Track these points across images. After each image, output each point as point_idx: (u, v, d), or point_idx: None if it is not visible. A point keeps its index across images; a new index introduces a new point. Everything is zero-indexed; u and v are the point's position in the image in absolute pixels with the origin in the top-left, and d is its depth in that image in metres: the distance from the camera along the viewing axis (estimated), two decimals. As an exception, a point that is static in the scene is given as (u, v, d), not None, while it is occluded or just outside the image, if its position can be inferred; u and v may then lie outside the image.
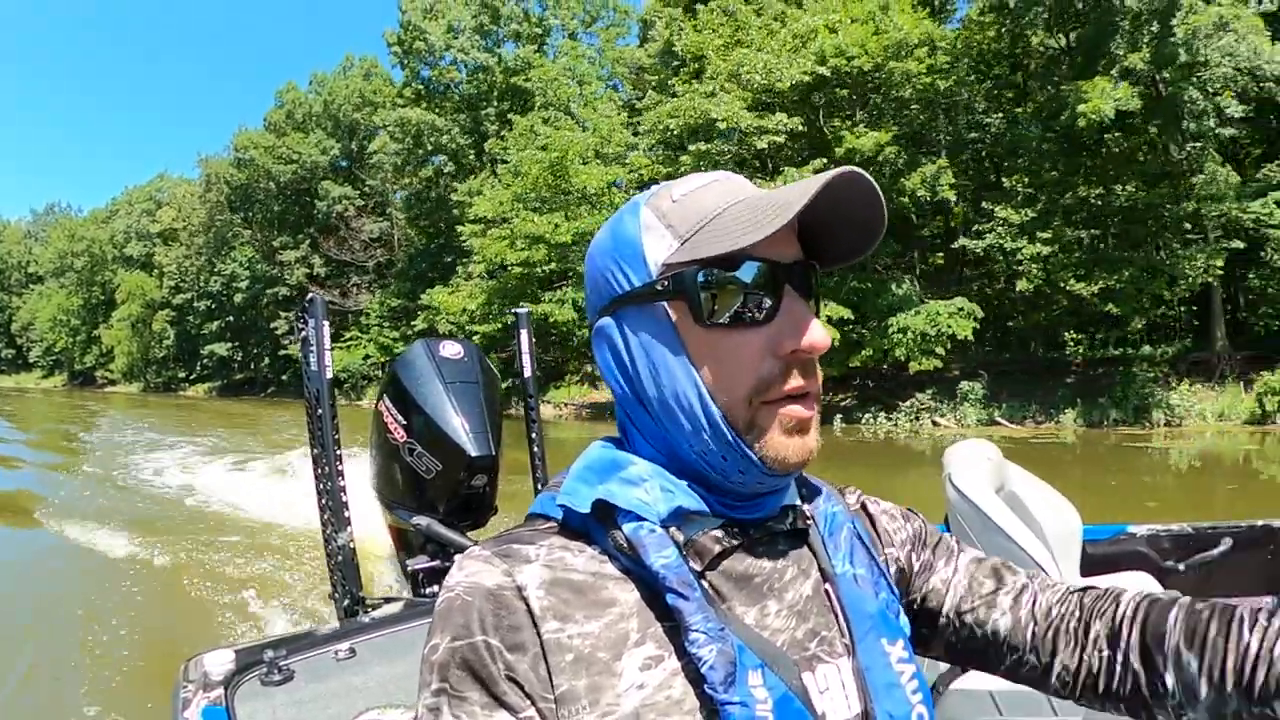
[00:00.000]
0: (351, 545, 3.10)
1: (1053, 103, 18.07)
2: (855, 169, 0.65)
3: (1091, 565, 2.76)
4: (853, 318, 18.73)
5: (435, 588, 3.16)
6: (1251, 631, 0.67)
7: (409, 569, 3.43)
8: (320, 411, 3.05)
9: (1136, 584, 2.38)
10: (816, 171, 12.00)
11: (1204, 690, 0.68)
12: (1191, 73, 16.05)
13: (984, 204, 19.34)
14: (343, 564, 3.06)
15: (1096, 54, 17.87)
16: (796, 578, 0.76)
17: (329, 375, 3.06)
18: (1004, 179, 19.60)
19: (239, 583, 6.47)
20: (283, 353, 40.92)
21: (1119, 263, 17.73)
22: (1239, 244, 16.84)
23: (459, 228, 25.69)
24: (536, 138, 23.12)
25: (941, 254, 22.42)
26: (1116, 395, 17.57)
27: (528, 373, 3.73)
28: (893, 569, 0.84)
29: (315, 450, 3.11)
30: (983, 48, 20.65)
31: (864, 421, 19.68)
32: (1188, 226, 17.57)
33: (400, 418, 3.38)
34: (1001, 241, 18.50)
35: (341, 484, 3.10)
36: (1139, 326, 19.27)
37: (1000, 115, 19.80)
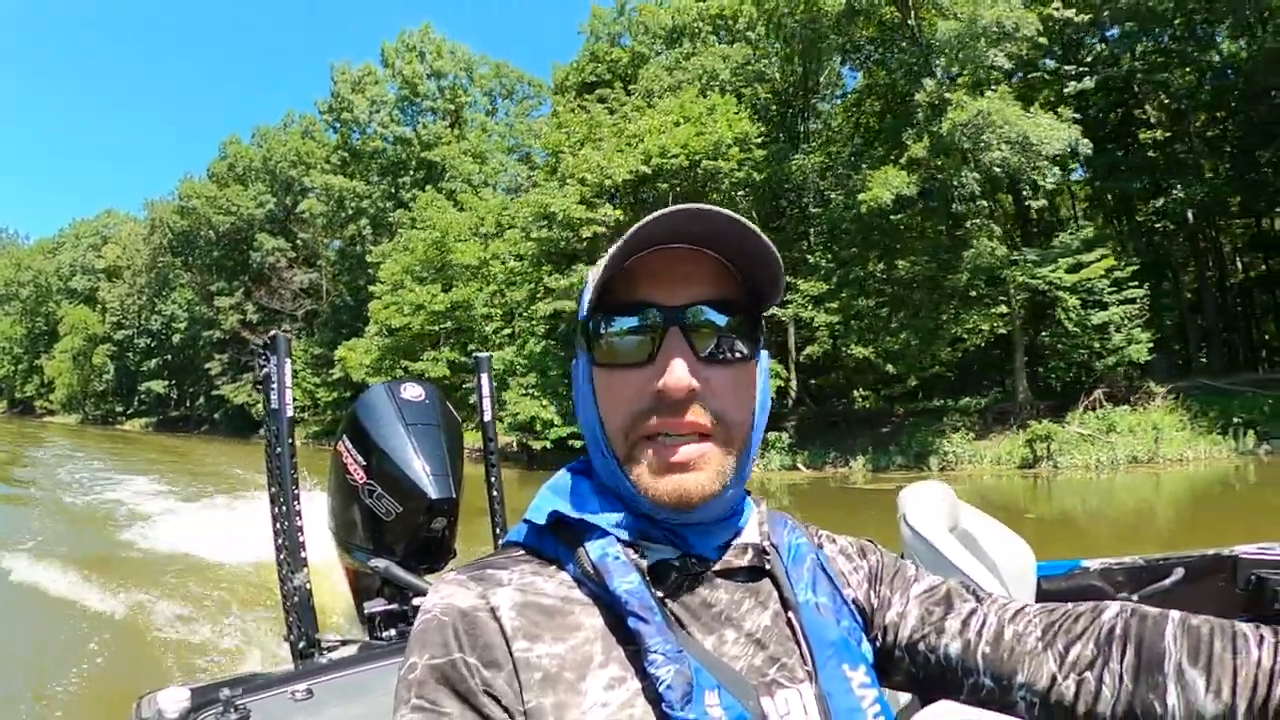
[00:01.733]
0: (308, 586, 3.18)
1: (852, 187, 20.92)
2: (691, 206, 0.73)
3: (1046, 601, 2.47)
4: None
5: (391, 631, 3.28)
6: (1260, 647, 0.67)
7: (365, 611, 3.45)
8: (279, 450, 3.17)
9: None
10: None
11: (1211, 709, 0.67)
12: (967, 159, 18.49)
13: (789, 278, 22.23)
14: (299, 605, 3.13)
15: (895, 142, 20.86)
16: (755, 608, 0.82)
17: (289, 413, 3.18)
18: (809, 255, 22.75)
19: (190, 621, 6.70)
20: (216, 393, 44.68)
21: (897, 328, 20.60)
22: (1004, 308, 19.65)
23: (371, 287, 29.72)
24: (430, 215, 27.30)
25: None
26: (902, 443, 20.47)
27: (487, 416, 3.83)
28: (851, 607, 0.87)
29: (273, 489, 3.20)
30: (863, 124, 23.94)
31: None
32: (973, 293, 19.97)
33: (360, 458, 3.44)
34: (799, 311, 21.58)
35: (299, 524, 3.19)
36: (912, 383, 21.97)
37: (838, 195, 22.32)
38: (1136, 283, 19.08)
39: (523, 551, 0.83)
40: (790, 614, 0.82)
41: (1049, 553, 2.96)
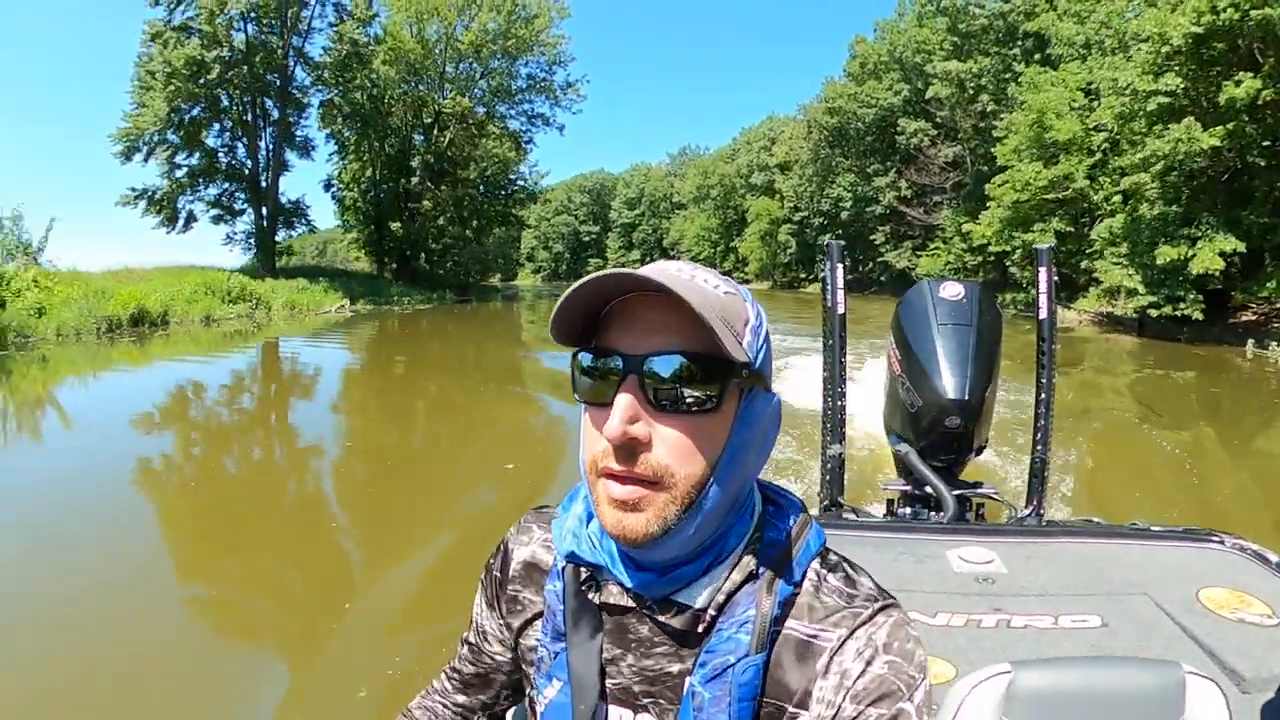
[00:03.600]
0: (841, 455, 3.89)
1: None
2: (616, 273, 0.82)
3: None
4: (1244, 250, 21.64)
5: (906, 510, 3.91)
6: None
7: (883, 488, 4.22)
8: (831, 342, 3.86)
9: None
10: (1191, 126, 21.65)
11: None
12: None
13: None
14: (831, 470, 3.86)
15: None
16: (668, 655, 0.92)
17: (840, 311, 3.84)
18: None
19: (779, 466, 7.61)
20: (880, 259, 55.76)
21: None
22: None
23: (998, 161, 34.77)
24: (1027, 96, 31.64)
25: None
26: None
27: (1043, 314, 3.82)
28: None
29: (826, 373, 3.93)
30: None
31: (1269, 349, 20.68)
32: None
33: (898, 352, 3.86)
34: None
35: (843, 404, 3.93)
36: None
37: None
38: None
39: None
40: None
41: None
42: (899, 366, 3.84)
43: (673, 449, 0.84)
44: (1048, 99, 30.37)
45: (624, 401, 0.82)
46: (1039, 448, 3.81)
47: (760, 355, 0.90)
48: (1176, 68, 22.14)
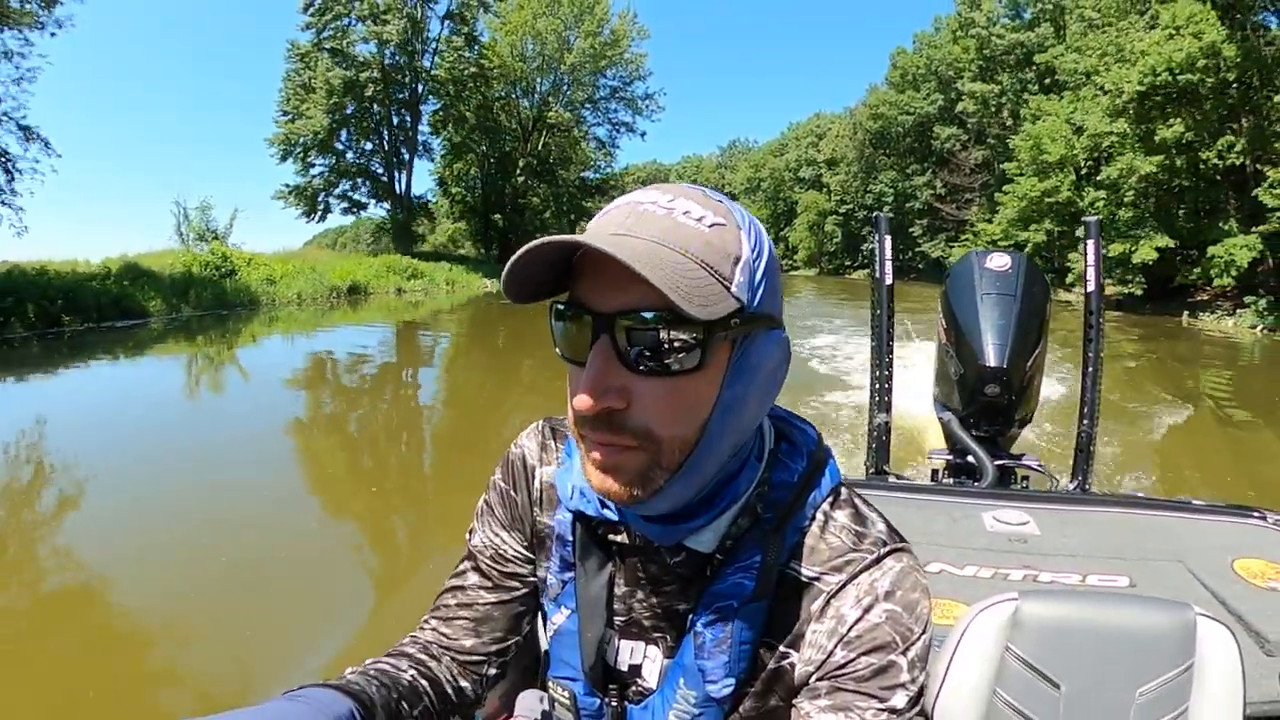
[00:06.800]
0: (887, 424, 4.00)
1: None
2: (559, 240, 0.74)
3: None
4: (1175, 245, 30.10)
5: (949, 480, 3.91)
6: None
7: (929, 458, 4.25)
8: (879, 311, 4.02)
9: None
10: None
11: None
12: None
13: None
14: (876, 438, 3.99)
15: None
16: (676, 595, 0.94)
17: (889, 281, 3.99)
18: None
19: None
20: (918, 249, 63.78)
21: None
22: None
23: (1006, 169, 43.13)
24: (1026, 125, 39.88)
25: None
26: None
27: (1090, 286, 3.87)
28: (777, 663, 0.90)
29: (874, 342, 4.08)
30: None
31: (1198, 317, 29.78)
32: None
33: (944, 320, 3.99)
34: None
35: (889, 374, 4.04)
36: None
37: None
38: None
39: None
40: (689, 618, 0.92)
41: None
42: (945, 336, 3.98)
43: (654, 413, 0.79)
44: (1043, 128, 38.78)
45: (595, 367, 0.78)
46: (1085, 421, 3.83)
47: (758, 295, 0.82)
48: (1130, 112, 30.92)
